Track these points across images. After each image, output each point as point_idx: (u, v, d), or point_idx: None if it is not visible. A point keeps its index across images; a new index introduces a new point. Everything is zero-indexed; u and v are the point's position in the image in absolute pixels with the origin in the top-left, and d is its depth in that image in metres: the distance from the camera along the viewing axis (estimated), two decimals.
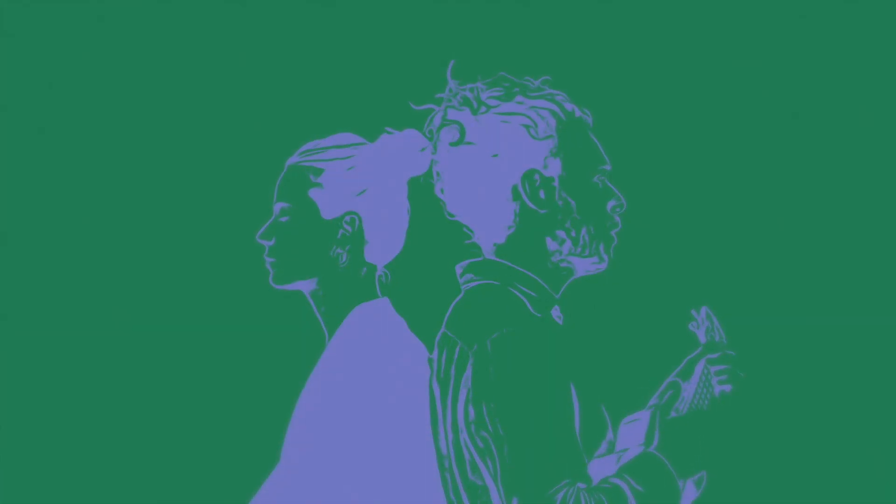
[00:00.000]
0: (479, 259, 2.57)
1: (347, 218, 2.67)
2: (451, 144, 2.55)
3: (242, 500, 2.63)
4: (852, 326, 3.09)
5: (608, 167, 2.58)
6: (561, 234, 2.53)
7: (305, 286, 2.68)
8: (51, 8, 3.20)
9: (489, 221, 2.56)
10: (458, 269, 2.58)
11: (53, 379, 3.15)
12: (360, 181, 2.67)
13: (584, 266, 2.55)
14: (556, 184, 2.53)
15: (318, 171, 2.67)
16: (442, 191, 2.59)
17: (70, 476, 3.13)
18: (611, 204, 2.56)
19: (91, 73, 3.20)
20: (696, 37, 3.14)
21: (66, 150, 3.20)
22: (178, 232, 3.14)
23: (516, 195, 2.53)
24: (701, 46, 3.14)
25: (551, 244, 2.54)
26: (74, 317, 3.16)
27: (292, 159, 2.71)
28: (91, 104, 3.20)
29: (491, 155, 2.53)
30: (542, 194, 2.53)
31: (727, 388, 2.52)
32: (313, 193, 2.67)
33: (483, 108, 2.54)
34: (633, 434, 2.48)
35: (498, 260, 2.55)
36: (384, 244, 2.69)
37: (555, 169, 2.54)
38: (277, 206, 2.69)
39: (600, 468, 2.45)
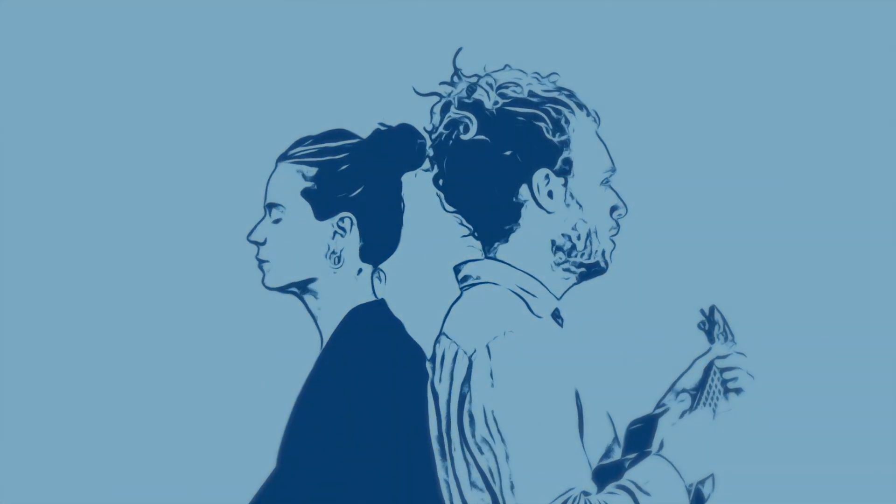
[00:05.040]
0: (479, 259, 2.55)
1: (342, 219, 2.63)
2: (463, 138, 2.50)
3: None
4: (859, 327, 3.09)
5: (614, 170, 2.56)
6: (567, 236, 2.50)
7: (299, 287, 2.65)
8: (40, 6, 3.21)
9: (493, 220, 2.53)
10: (456, 269, 2.56)
11: (49, 381, 3.16)
12: (354, 181, 2.64)
13: (587, 270, 2.53)
14: (565, 185, 2.50)
15: (310, 171, 2.64)
16: (441, 183, 2.55)
17: (67, 478, 3.15)
18: (613, 209, 2.54)
19: (73, 69, 3.21)
20: (704, 36, 3.13)
21: (55, 149, 3.21)
22: (167, 232, 3.17)
23: (525, 194, 2.50)
24: (709, 46, 3.13)
25: (555, 246, 2.51)
26: (69, 319, 3.19)
27: (283, 156, 2.68)
28: (71, 100, 3.20)
29: (503, 152, 2.49)
30: (551, 195, 2.50)
31: (737, 390, 2.49)
32: (305, 195, 2.64)
33: (496, 102, 2.49)
34: (639, 439, 2.46)
35: (498, 260, 2.53)
36: (380, 244, 2.66)
37: (566, 170, 2.50)
38: (268, 206, 2.66)
39: (606, 475, 2.42)
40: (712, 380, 2.49)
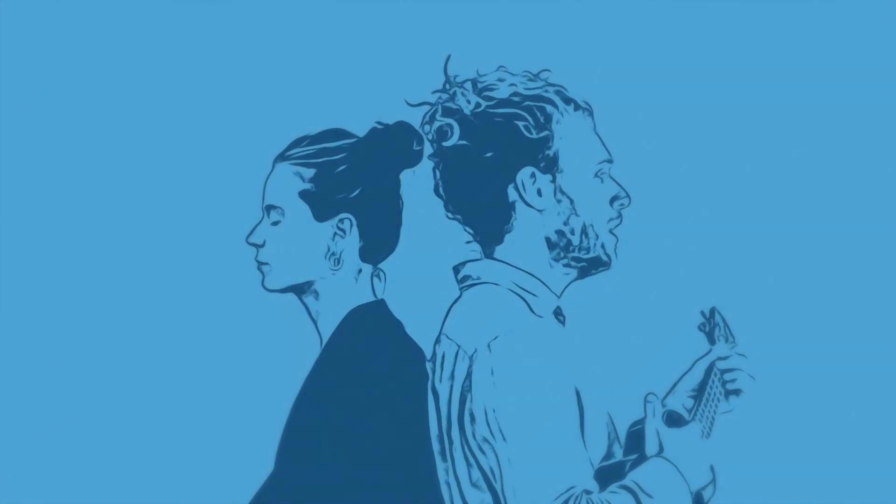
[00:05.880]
0: (478, 259, 2.55)
1: (342, 220, 2.62)
2: (445, 144, 2.51)
3: None
4: (860, 328, 3.10)
5: (610, 161, 2.54)
6: (560, 232, 2.49)
7: (299, 289, 2.64)
8: (40, 5, 3.21)
9: (487, 222, 2.53)
10: (456, 269, 2.56)
11: (48, 382, 3.16)
12: (353, 182, 2.63)
13: (587, 266, 2.51)
14: (553, 181, 2.49)
15: (308, 172, 2.63)
16: (440, 191, 2.55)
17: (67, 478, 3.14)
18: (614, 199, 2.51)
19: (72, 69, 3.21)
20: (703, 26, 3.12)
21: (53, 149, 3.22)
22: (165, 234, 3.17)
23: (513, 194, 2.50)
24: (707, 37, 3.12)
25: (551, 243, 2.50)
26: (69, 320, 3.19)
27: (280, 157, 2.68)
28: (69, 100, 3.20)
29: (485, 154, 2.49)
30: (539, 192, 2.49)
31: (737, 391, 2.49)
32: (304, 197, 2.63)
33: (477, 106, 2.50)
34: (640, 441, 2.44)
35: (497, 260, 2.52)
36: (379, 244, 2.65)
37: (552, 166, 2.49)
38: (266, 208, 2.65)
39: (608, 475, 2.41)
40: (713, 381, 2.49)
